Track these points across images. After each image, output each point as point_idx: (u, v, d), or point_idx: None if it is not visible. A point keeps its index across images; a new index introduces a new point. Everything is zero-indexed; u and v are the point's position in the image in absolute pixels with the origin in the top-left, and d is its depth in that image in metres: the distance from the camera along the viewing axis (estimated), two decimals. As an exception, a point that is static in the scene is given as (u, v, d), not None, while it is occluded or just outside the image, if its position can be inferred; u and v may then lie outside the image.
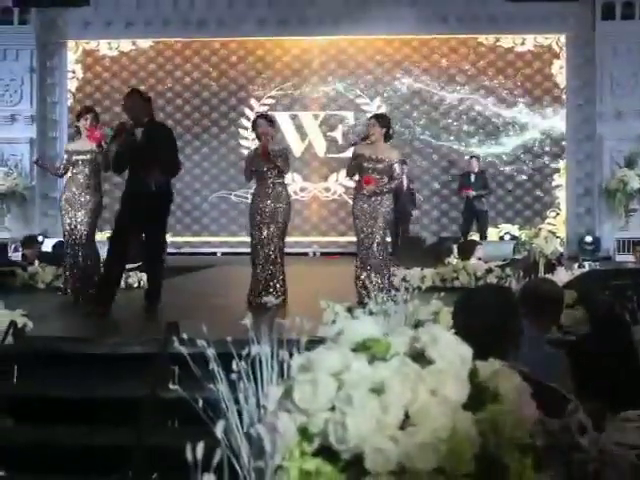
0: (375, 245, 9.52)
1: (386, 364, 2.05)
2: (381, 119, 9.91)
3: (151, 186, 9.03)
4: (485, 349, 2.18)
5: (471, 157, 18.35)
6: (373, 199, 9.52)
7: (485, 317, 3.33)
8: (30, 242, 15.51)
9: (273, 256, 9.72)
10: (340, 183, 19.55)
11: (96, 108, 18.41)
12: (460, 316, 3.48)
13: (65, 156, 10.77)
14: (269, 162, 9.74)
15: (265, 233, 9.72)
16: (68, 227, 10.33)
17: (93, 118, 10.51)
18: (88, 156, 10.34)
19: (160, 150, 9.18)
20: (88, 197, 10.32)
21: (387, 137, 9.70)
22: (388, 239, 9.78)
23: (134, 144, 9.22)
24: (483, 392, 2.09)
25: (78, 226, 10.24)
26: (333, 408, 1.98)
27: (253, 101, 19.67)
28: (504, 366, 2.20)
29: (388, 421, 1.95)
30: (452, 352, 2.08)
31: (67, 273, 10.36)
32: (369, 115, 11.48)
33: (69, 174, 10.58)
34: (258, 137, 9.97)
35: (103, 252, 11.16)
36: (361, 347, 2.14)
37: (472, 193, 17.54)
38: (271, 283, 9.68)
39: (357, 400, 1.96)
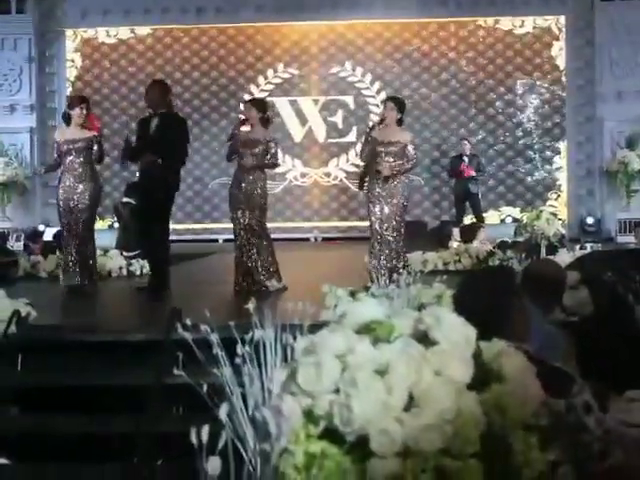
0: (391, 230, 9.52)
1: (390, 346, 2.05)
2: (398, 102, 9.91)
3: (155, 174, 9.38)
4: (489, 330, 2.18)
5: (461, 139, 18.31)
6: (389, 183, 9.52)
7: (489, 297, 3.33)
8: (35, 236, 15.60)
9: (256, 242, 9.69)
10: (341, 168, 19.55)
11: (95, 96, 18.60)
12: (464, 297, 3.47)
13: (55, 146, 10.39)
14: (247, 148, 9.73)
15: (242, 219, 9.69)
16: (67, 219, 10.09)
17: (87, 107, 10.30)
18: (80, 144, 10.09)
19: (169, 139, 9.55)
20: (85, 186, 10.06)
21: (400, 120, 9.76)
22: (403, 223, 9.74)
23: (148, 134, 9.48)
24: (487, 373, 2.09)
25: (78, 217, 10.00)
26: (338, 390, 1.98)
27: (252, 87, 19.62)
28: (508, 346, 2.20)
29: (393, 403, 1.95)
30: (456, 333, 2.07)
31: (70, 264, 10.07)
32: (383, 98, 11.34)
33: (62, 165, 10.25)
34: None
35: (102, 240, 11.20)
36: (365, 329, 2.14)
37: (473, 173, 17.49)
38: (258, 269, 9.63)
39: (361, 382, 1.96)
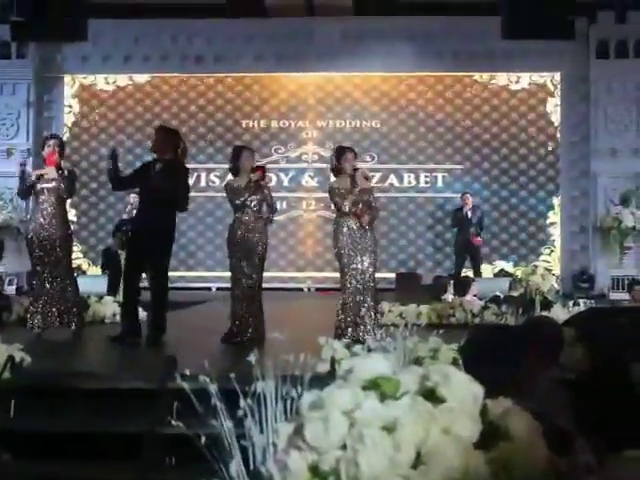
0: (372, 280, 9.39)
1: (398, 402, 2.04)
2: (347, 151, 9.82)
3: (160, 221, 9.40)
4: (497, 388, 2.18)
5: (463, 193, 18.29)
6: (360, 233, 9.36)
7: (495, 355, 3.34)
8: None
9: (251, 291, 9.66)
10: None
11: (92, 142, 18.70)
12: (471, 354, 3.48)
13: (27, 177, 10.27)
14: (251, 195, 9.71)
15: (241, 268, 9.66)
16: (38, 260, 9.99)
17: (56, 145, 10.25)
18: (53, 184, 10.01)
19: (175, 187, 9.45)
20: (56, 228, 9.99)
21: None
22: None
23: (151, 179, 9.47)
24: (494, 431, 2.09)
25: (50, 259, 9.94)
26: (345, 446, 1.98)
27: (249, 136, 19.70)
28: (514, 404, 2.20)
29: (400, 459, 1.95)
30: (464, 390, 2.07)
31: (40, 308, 9.95)
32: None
33: (33, 203, 10.18)
34: (243, 169, 9.85)
35: (96, 287, 11.11)
36: (371, 385, 2.13)
37: (480, 241, 17.61)
38: (250, 320, 9.60)
39: (369, 438, 1.95)
